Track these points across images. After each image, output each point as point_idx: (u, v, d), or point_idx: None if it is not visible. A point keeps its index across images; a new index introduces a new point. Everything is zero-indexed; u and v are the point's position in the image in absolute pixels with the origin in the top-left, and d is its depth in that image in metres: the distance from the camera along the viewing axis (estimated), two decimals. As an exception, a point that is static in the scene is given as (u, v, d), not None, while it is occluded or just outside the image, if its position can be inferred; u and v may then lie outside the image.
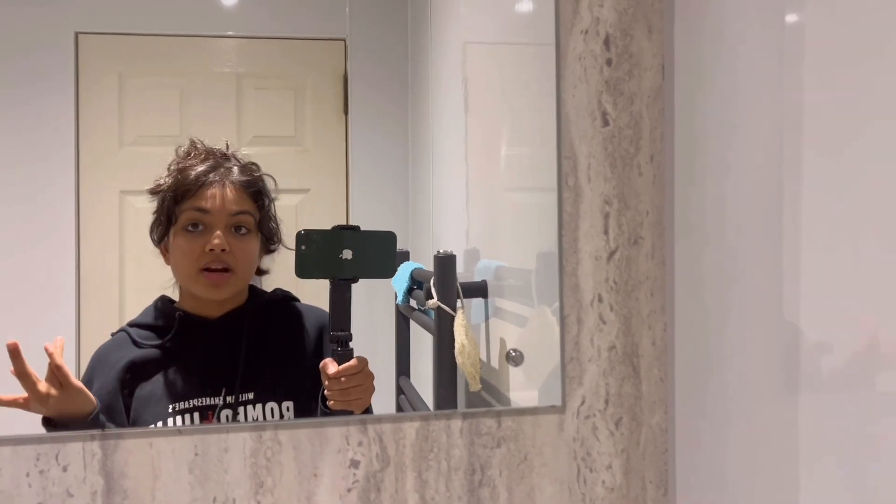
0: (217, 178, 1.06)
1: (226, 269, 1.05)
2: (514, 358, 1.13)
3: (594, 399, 1.08)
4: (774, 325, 0.87)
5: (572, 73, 1.06)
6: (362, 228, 1.06)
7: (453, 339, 1.12)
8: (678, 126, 1.07)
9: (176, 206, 1.04)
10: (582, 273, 1.07)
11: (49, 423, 0.96)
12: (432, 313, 1.14)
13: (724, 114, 0.96)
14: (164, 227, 1.05)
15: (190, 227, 1.05)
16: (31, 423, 0.96)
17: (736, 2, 0.94)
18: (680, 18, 1.06)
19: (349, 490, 1.01)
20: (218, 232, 1.04)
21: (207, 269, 1.05)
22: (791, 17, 0.84)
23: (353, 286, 1.05)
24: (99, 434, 0.95)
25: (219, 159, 1.07)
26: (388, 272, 1.09)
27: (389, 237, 1.07)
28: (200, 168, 1.05)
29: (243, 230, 1.07)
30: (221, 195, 1.05)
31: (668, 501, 1.09)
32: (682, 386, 1.07)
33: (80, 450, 0.94)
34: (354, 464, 1.01)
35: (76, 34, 1.08)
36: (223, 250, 1.04)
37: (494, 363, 1.18)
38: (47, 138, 1.07)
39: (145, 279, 1.09)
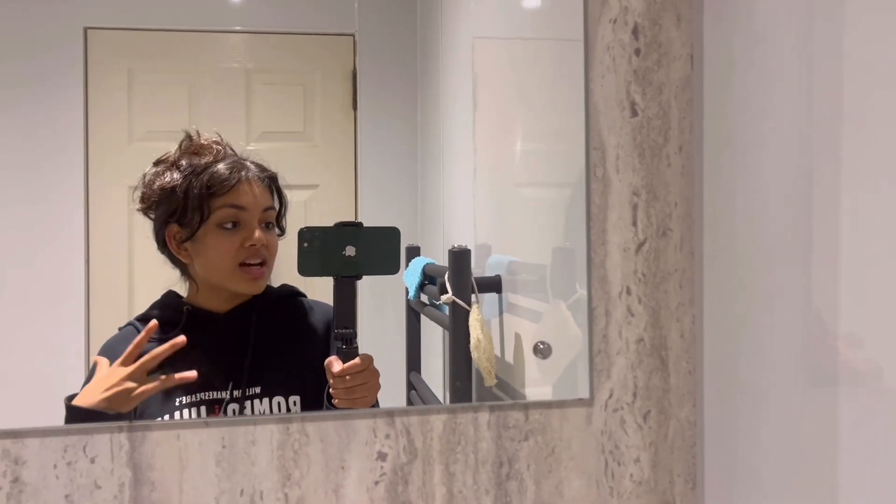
0: (245, 174, 1.11)
1: (262, 263, 1.11)
2: (542, 350, 1.18)
3: (622, 392, 1.13)
4: (805, 317, 0.90)
5: (601, 63, 1.11)
6: (371, 224, 1.11)
7: (468, 334, 1.16)
8: (707, 116, 1.11)
9: (211, 203, 1.09)
10: (610, 265, 1.12)
11: (77, 411, 1.02)
12: (446, 308, 1.18)
13: (753, 103, 1.00)
14: (190, 226, 1.09)
15: (226, 225, 1.10)
16: (59, 414, 1.01)
17: None
18: (709, 7, 1.10)
19: (376, 483, 1.06)
20: (255, 228, 1.10)
21: (246, 265, 1.11)
22: (823, 4, 0.87)
23: (362, 281, 1.10)
24: (126, 426, 0.99)
25: (230, 155, 1.12)
26: (392, 268, 1.12)
27: (393, 233, 1.11)
28: (226, 165, 1.10)
29: (270, 225, 1.13)
30: (253, 192, 1.11)
31: (696, 495, 1.14)
32: (710, 379, 1.11)
33: (107, 441, 0.99)
34: (382, 456, 1.06)
35: (85, 29, 1.12)
36: (262, 245, 1.11)
37: (509, 358, 1.23)
38: (57, 134, 1.11)
39: (154, 274, 1.12)
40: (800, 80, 0.91)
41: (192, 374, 1.06)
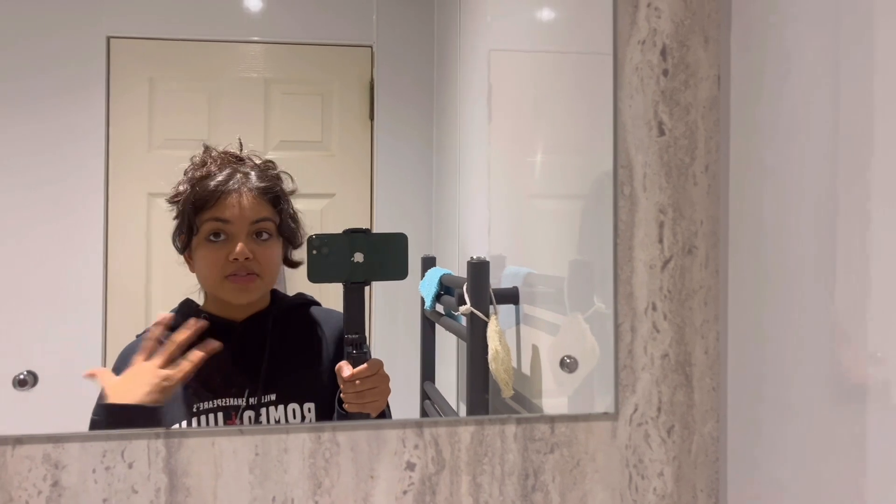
0: (235, 186, 1.15)
1: (251, 274, 1.16)
2: (568, 364, 1.25)
3: (647, 407, 1.19)
4: (830, 335, 0.94)
5: (629, 83, 1.18)
6: (385, 232, 1.17)
7: (486, 345, 1.21)
8: (733, 136, 1.16)
9: (196, 217, 1.14)
10: (636, 281, 1.18)
11: (119, 409, 1.08)
12: (462, 319, 1.23)
13: (779, 124, 1.05)
14: (186, 237, 1.15)
15: (212, 237, 1.14)
16: (73, 419, 1.07)
17: (793, 12, 1.02)
18: (736, 29, 1.15)
19: (405, 492, 1.12)
20: (240, 241, 1.14)
21: (233, 275, 1.15)
22: (853, 25, 0.91)
23: (376, 290, 1.16)
24: (163, 432, 1.05)
25: (235, 165, 1.16)
26: (401, 274, 1.18)
27: (401, 239, 1.17)
28: (219, 177, 1.15)
29: (265, 235, 1.17)
30: (241, 204, 1.15)
31: (718, 510, 1.22)
32: (734, 395, 1.17)
33: (144, 447, 1.04)
34: (410, 466, 1.13)
35: (108, 38, 1.16)
36: (247, 258, 1.15)
37: (525, 370, 1.28)
38: (78, 140, 1.15)
39: (172, 281, 1.17)
40: (827, 102, 0.96)
41: (217, 344, 1.13)
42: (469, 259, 1.24)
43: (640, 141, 1.17)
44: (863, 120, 0.89)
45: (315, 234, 1.13)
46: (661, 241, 1.18)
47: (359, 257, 1.14)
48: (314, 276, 1.14)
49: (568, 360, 1.22)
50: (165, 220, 1.17)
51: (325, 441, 1.09)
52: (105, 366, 1.14)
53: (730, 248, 1.17)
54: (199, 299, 1.19)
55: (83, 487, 1.02)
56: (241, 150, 1.19)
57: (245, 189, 1.16)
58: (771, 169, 1.08)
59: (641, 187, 1.17)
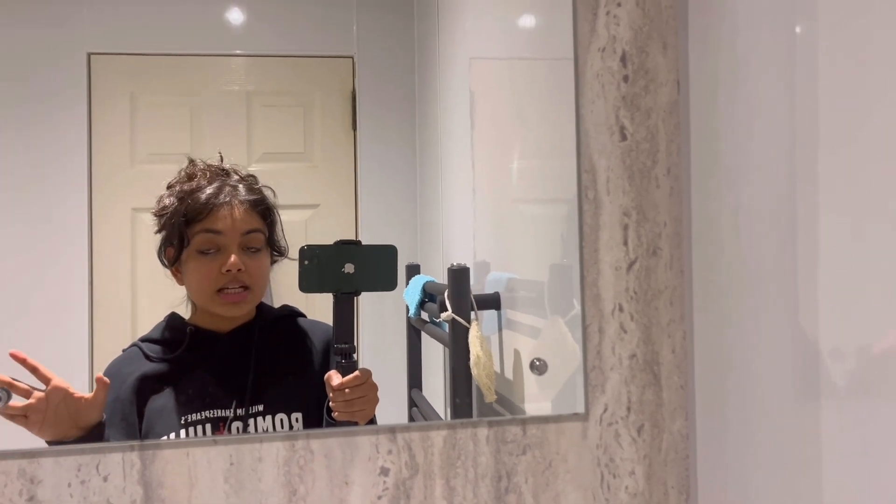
0: (227, 198, 1.15)
1: (243, 288, 1.15)
2: (538, 367, 1.24)
3: (616, 406, 1.19)
4: (792, 332, 0.95)
5: (590, 89, 1.17)
6: (371, 243, 1.17)
7: (468, 351, 1.21)
8: (694, 139, 1.17)
9: (188, 229, 1.13)
10: (603, 283, 1.18)
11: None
12: (446, 326, 1.23)
13: (738, 126, 1.05)
14: (176, 251, 1.14)
15: (204, 250, 1.14)
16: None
17: (748, 17, 1.02)
18: (694, 35, 1.16)
19: (379, 497, 1.11)
20: (233, 253, 1.14)
21: (225, 290, 1.15)
22: (802, 31, 0.92)
23: (363, 299, 1.16)
24: (138, 444, 1.05)
25: (223, 178, 1.16)
26: (390, 285, 1.18)
27: (390, 251, 1.17)
28: (209, 190, 1.14)
29: (255, 248, 1.16)
30: (232, 215, 1.15)
31: (689, 506, 1.20)
32: (702, 393, 1.17)
33: (119, 460, 1.04)
34: (384, 471, 1.12)
35: (88, 55, 1.17)
36: (239, 270, 1.14)
37: (508, 374, 1.28)
38: (61, 156, 1.15)
39: (157, 295, 1.17)
40: (781, 104, 0.96)
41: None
42: (450, 266, 1.21)
43: (603, 146, 1.16)
44: (811, 121, 0.90)
45: (307, 245, 1.13)
46: (625, 243, 1.16)
47: (349, 268, 1.14)
48: (305, 287, 1.14)
49: (538, 363, 1.21)
50: (150, 234, 1.17)
51: (298, 449, 1.07)
52: (92, 381, 1.13)
53: (693, 248, 1.18)
54: (185, 312, 1.17)
55: (59, 501, 1.02)
56: (222, 161, 1.18)
57: (236, 201, 1.16)
58: (730, 170, 1.08)
59: (605, 191, 1.16)
